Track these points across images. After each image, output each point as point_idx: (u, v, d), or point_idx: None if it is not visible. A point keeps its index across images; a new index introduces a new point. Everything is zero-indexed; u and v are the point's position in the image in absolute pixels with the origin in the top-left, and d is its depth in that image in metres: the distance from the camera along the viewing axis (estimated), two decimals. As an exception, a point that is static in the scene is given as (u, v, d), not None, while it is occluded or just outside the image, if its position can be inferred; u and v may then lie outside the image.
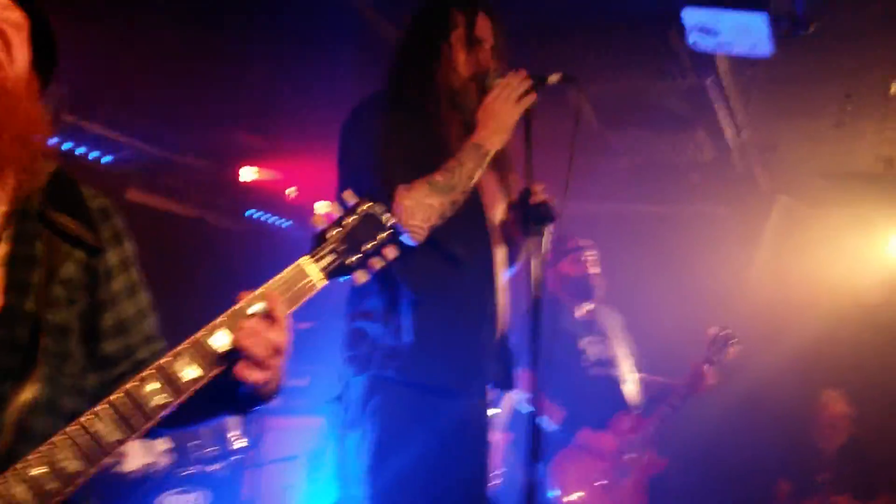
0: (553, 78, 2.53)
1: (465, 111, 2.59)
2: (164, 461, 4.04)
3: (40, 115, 1.53)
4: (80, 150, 5.18)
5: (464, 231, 2.55)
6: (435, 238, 2.46)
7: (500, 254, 2.71)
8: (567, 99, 4.57)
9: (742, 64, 4.15)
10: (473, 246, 2.61)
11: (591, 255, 4.63)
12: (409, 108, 2.55)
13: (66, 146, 4.97)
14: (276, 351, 1.47)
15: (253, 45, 4.44)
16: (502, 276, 2.71)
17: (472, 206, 2.57)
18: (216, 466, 4.10)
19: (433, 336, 2.50)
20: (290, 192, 6.59)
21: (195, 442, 4.07)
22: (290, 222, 6.98)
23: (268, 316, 1.47)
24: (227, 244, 6.26)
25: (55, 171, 1.58)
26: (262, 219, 6.93)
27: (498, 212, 2.73)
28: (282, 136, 5.89)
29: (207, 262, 5.83)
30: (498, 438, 5.29)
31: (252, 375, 1.46)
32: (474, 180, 2.50)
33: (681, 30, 3.55)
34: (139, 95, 5.02)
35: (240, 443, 4.34)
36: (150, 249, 1.70)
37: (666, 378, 4.75)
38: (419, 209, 2.40)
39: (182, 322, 1.63)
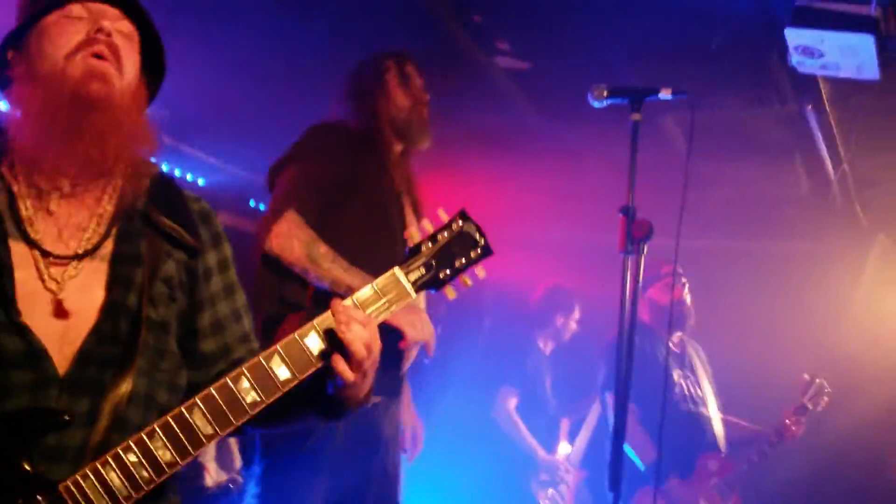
0: (665, 92, 2.52)
1: (409, 136, 2.96)
2: (240, 479, 4.08)
3: (145, 127, 1.59)
4: (177, 173, 5.36)
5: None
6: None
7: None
8: (659, 125, 4.51)
9: (846, 91, 3.99)
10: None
11: (683, 283, 4.52)
12: (355, 136, 2.87)
13: (164, 167, 5.16)
14: (370, 351, 1.48)
15: (342, 73, 4.52)
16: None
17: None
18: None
19: None
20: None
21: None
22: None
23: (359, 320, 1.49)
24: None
25: (158, 175, 1.64)
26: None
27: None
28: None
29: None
30: (572, 477, 5.16)
31: (345, 371, 1.47)
32: (332, 285, 2.60)
33: (783, 53, 3.44)
34: (234, 121, 5.16)
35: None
36: (237, 272, 1.76)
37: (753, 423, 4.61)
38: (288, 243, 2.57)
39: (264, 346, 1.64)
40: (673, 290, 4.44)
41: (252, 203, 6.14)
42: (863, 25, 3.20)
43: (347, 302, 1.52)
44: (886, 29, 3.22)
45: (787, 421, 4.38)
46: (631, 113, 2.71)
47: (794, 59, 3.34)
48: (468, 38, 4.00)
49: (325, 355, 1.49)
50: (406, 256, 1.59)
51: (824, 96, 4.00)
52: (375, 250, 2.66)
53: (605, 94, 2.65)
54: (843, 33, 3.19)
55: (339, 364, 1.47)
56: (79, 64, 1.50)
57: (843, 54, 3.28)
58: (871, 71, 3.36)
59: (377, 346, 1.51)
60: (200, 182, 5.53)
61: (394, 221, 2.81)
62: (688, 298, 4.53)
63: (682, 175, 2.92)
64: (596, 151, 4.75)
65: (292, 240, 2.57)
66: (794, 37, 3.23)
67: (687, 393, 4.44)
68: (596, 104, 2.76)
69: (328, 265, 2.58)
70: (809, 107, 4.11)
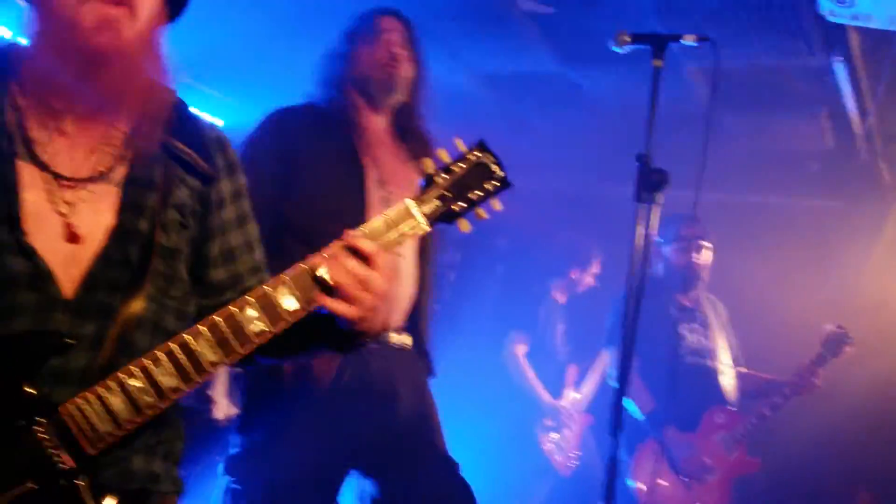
0: (689, 38, 2.45)
1: (377, 96, 2.69)
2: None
3: (159, 67, 1.55)
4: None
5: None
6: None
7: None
8: (681, 74, 4.41)
9: (876, 43, 3.87)
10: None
11: (701, 245, 4.48)
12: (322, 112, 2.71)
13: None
14: (364, 285, 1.46)
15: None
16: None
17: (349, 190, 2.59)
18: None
19: None
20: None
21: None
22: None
23: (359, 253, 1.47)
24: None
25: (175, 101, 1.61)
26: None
27: (398, 189, 2.65)
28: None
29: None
30: (576, 423, 5.21)
31: (338, 307, 1.46)
32: None
33: (813, 1, 3.34)
34: (252, 60, 5.09)
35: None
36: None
37: (770, 375, 4.58)
38: None
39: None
40: (686, 255, 4.43)
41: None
42: (897, -26, 3.10)
43: (357, 232, 1.49)
44: (921, -22, 3.11)
45: (804, 371, 4.33)
46: (653, 59, 2.66)
47: (825, 7, 3.24)
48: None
49: (329, 290, 1.47)
50: (420, 188, 1.55)
51: (853, 48, 3.90)
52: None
53: (627, 39, 2.60)
54: (876, -18, 3.10)
55: (325, 300, 1.46)
56: (91, 11, 1.42)
57: (876, 4, 3.18)
58: (904, 22, 3.26)
59: (382, 279, 1.48)
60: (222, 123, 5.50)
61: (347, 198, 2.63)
62: (700, 260, 4.48)
63: (703, 126, 2.86)
64: (617, 100, 4.67)
65: None
66: (827, -16, 3.14)
67: (694, 347, 4.42)
68: (618, 50, 2.71)
69: None
70: (839, 59, 3.99)
